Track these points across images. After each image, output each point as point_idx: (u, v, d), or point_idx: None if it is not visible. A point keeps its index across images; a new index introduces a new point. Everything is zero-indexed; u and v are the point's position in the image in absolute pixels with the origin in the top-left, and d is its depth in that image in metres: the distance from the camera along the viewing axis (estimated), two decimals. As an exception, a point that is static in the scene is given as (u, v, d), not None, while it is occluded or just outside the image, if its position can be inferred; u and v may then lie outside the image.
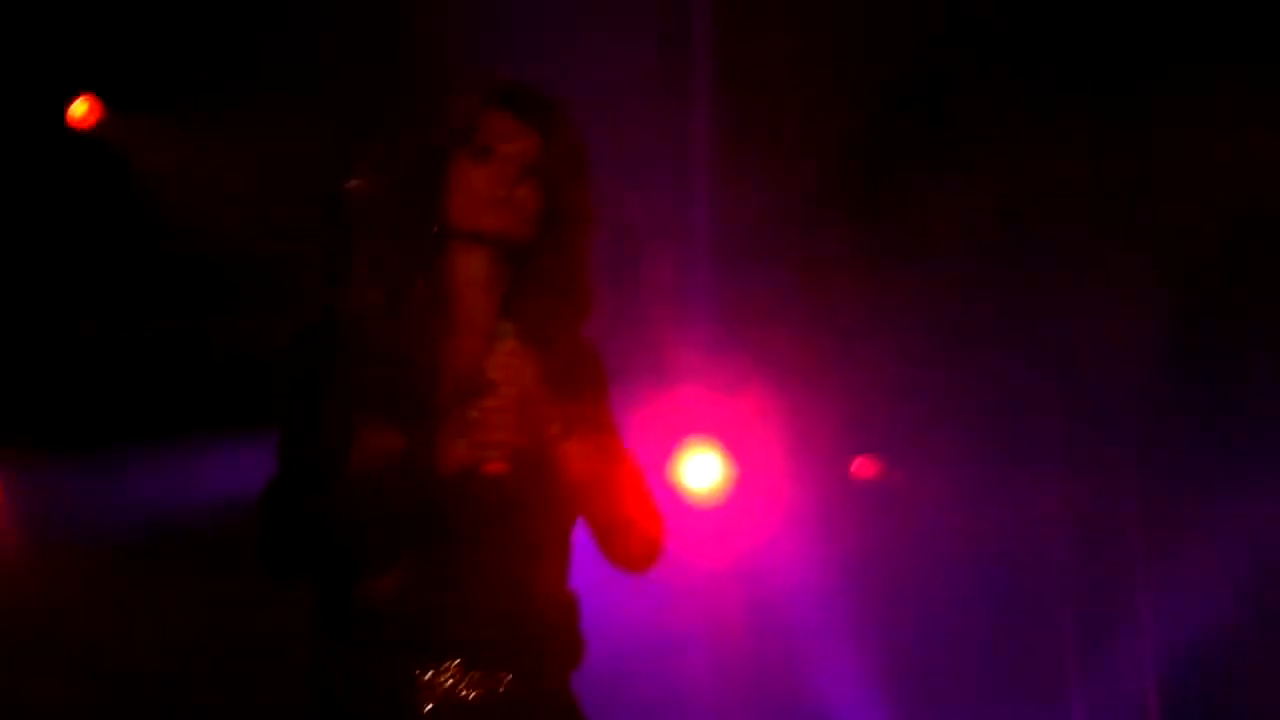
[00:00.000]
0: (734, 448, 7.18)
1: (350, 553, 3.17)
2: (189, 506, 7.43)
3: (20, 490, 7.50)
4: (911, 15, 6.77)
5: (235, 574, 7.35)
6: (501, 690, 3.20)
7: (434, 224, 3.24)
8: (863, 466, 7.65)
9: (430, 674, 3.17)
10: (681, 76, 6.55)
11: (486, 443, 3.12)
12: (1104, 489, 7.71)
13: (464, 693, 3.18)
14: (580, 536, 3.35)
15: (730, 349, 7.02)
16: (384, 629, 3.18)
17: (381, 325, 3.25)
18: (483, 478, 3.14)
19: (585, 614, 3.36)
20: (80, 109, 7.07)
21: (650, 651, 7.16)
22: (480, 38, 6.01)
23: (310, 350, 3.27)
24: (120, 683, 7.43)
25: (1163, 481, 7.60)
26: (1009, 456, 7.70)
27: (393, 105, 3.36)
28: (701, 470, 7.10)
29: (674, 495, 6.99)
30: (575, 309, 3.33)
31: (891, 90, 6.98)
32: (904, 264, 7.34)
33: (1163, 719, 7.55)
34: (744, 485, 7.24)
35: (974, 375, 7.58)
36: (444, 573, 3.20)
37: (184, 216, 7.21)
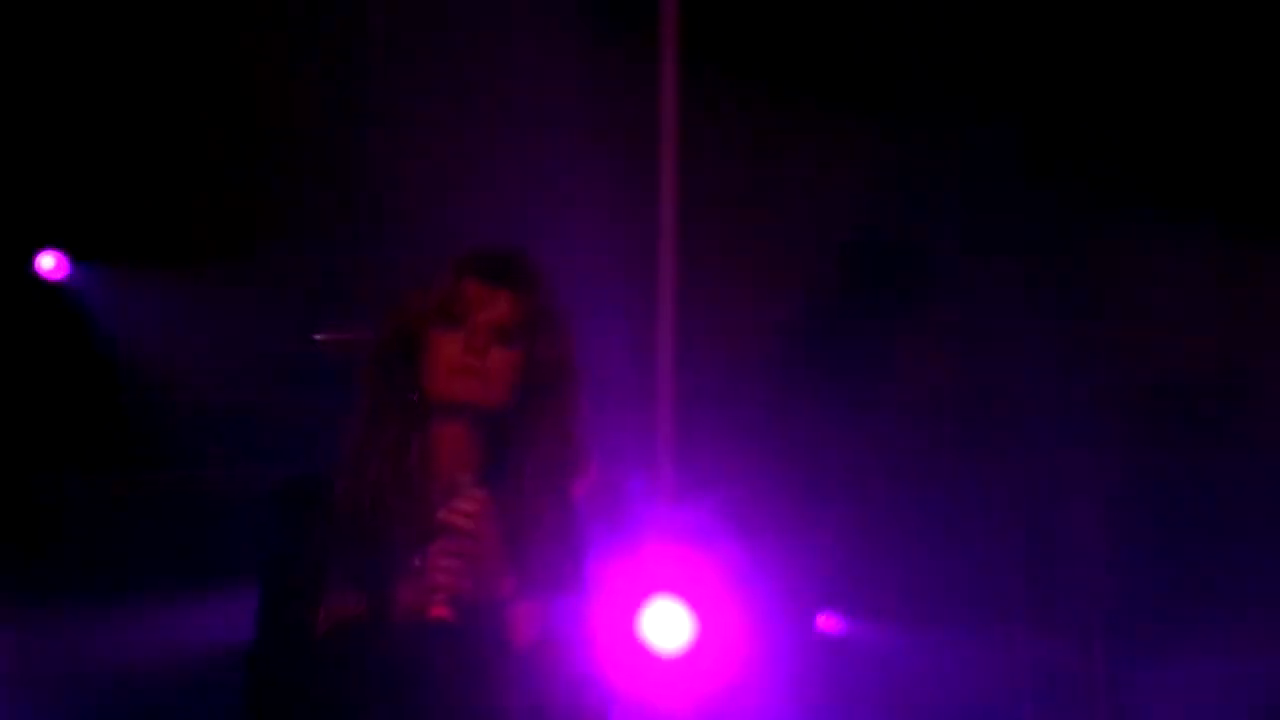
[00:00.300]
0: (699, 602, 7.15)
1: (322, 715, 3.14)
2: (153, 660, 7.38)
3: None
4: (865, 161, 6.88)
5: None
6: None
7: (413, 394, 3.25)
8: (829, 622, 7.63)
9: None
10: (647, 240, 6.62)
11: (431, 587, 3.10)
12: (1070, 649, 7.69)
13: None
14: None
15: (694, 502, 7.02)
16: None
17: (365, 490, 3.25)
18: (431, 627, 3.11)
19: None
20: (48, 262, 7.12)
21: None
22: (440, 182, 6.09)
23: (286, 515, 3.27)
24: None
25: (1130, 642, 7.59)
26: (975, 614, 7.68)
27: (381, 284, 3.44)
28: (667, 625, 7.06)
29: (639, 651, 6.95)
30: (557, 468, 3.30)
31: (853, 242, 7.07)
32: (866, 415, 7.37)
33: None
34: (709, 640, 7.19)
35: (939, 532, 7.58)
36: None
37: (149, 370, 7.24)
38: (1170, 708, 7.54)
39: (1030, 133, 7.12)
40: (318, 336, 7.19)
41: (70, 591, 7.42)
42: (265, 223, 7.02)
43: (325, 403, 7.44)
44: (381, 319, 3.31)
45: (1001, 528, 7.78)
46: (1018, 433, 7.52)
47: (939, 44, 6.99)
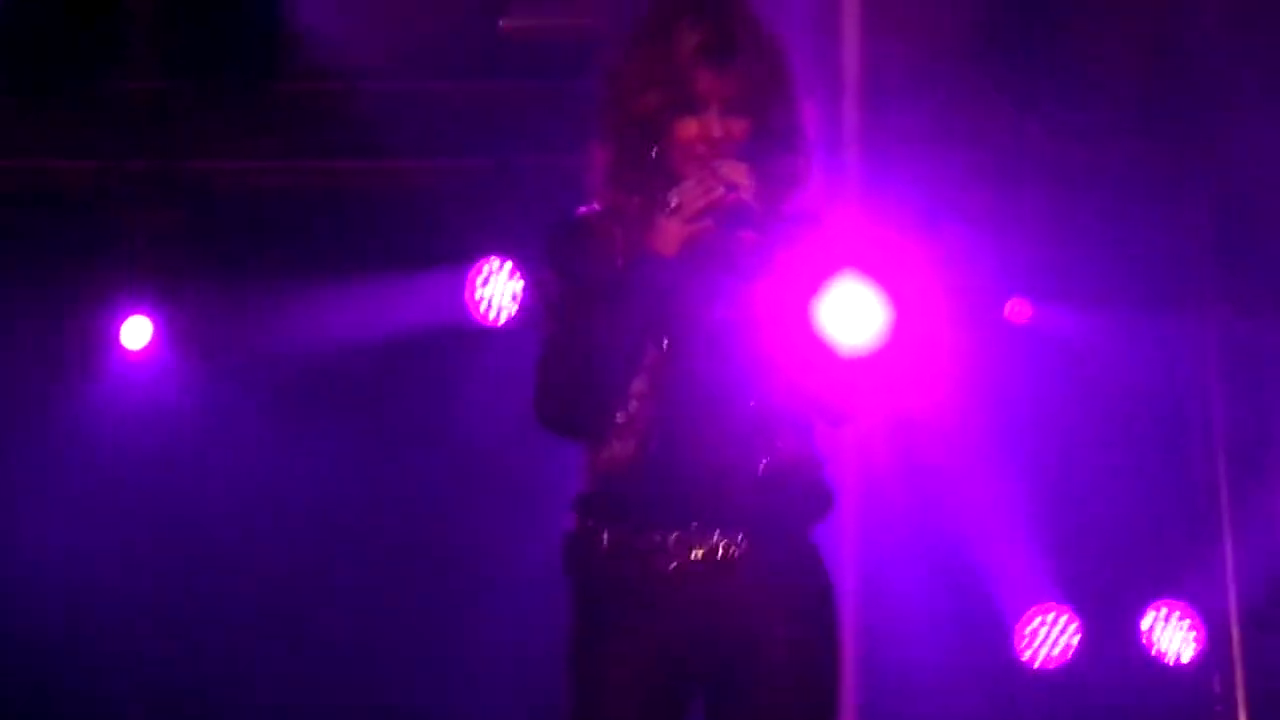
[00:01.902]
0: (889, 288, 7.13)
1: (598, 371, 3.50)
2: (349, 345, 7.54)
3: (184, 325, 7.63)
4: None
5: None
6: (737, 548, 3.54)
7: (651, 154, 3.60)
8: (1017, 308, 7.58)
9: (669, 538, 3.54)
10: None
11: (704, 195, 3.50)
12: (1261, 328, 7.62)
13: (704, 552, 3.53)
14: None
15: (884, 189, 6.96)
16: (625, 500, 3.56)
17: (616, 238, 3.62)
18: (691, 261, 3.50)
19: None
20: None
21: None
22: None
23: (561, 250, 3.64)
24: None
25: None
26: (1165, 294, 7.62)
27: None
28: (857, 311, 7.04)
29: (827, 337, 6.95)
30: (797, 170, 3.65)
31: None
32: (1063, 103, 7.24)
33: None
34: (899, 326, 7.19)
35: (1129, 216, 7.49)
36: (674, 432, 3.53)
37: (331, 54, 7.26)
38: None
39: None
40: (502, 24, 7.15)
41: (266, 277, 7.56)
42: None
43: (509, 91, 7.51)
44: (613, 101, 3.63)
45: (1195, 205, 7.67)
46: (1213, 106, 7.35)
47: None
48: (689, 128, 3.58)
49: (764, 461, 3.54)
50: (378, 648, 7.58)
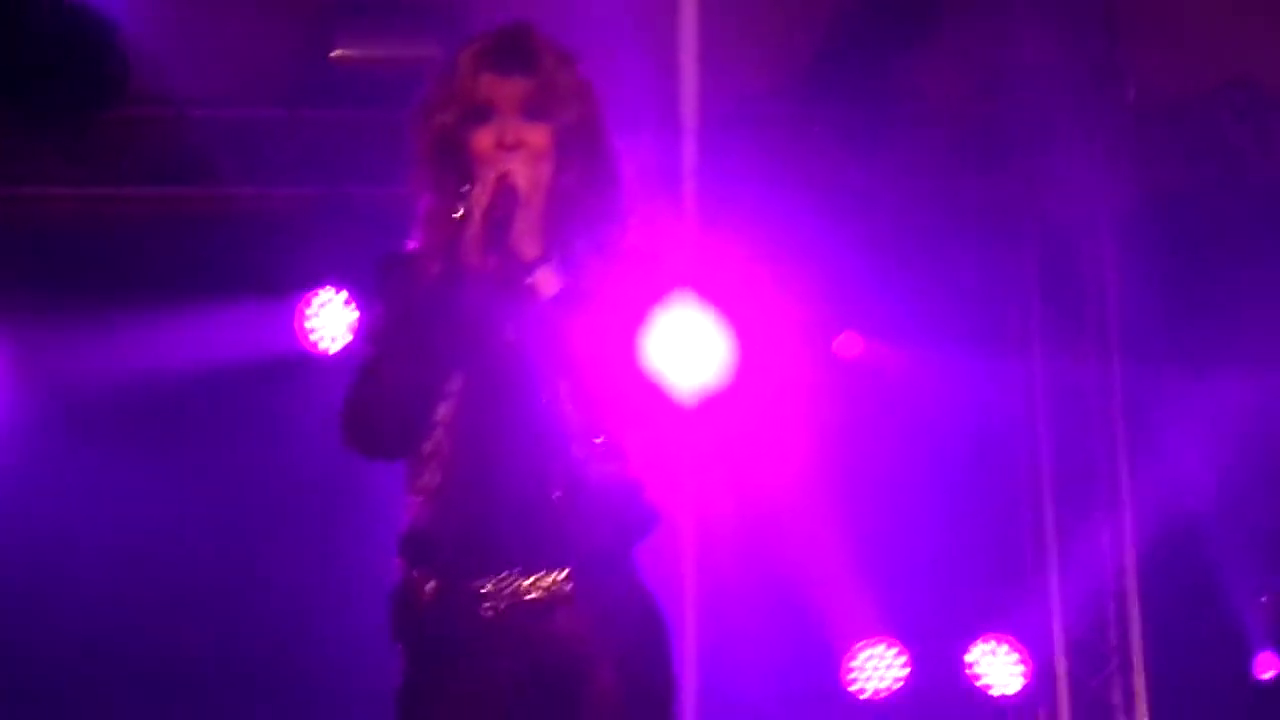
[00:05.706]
0: (723, 323, 7.16)
1: (400, 393, 3.48)
2: (179, 373, 7.45)
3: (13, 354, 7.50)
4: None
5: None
6: (562, 582, 3.51)
7: (464, 186, 3.56)
8: (846, 343, 7.64)
9: (490, 585, 3.50)
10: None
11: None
12: (1085, 365, 7.73)
13: (527, 595, 3.50)
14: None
15: (716, 225, 7.00)
16: (440, 541, 3.52)
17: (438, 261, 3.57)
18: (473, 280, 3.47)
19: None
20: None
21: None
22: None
23: (383, 281, 3.63)
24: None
25: (1143, 358, 7.62)
26: (991, 334, 7.71)
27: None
28: (693, 346, 7.06)
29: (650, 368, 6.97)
30: (609, 203, 3.62)
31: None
32: (889, 141, 7.32)
33: (1142, 594, 7.61)
34: (732, 359, 7.23)
35: (957, 251, 7.58)
36: (478, 462, 3.50)
37: (161, 80, 7.18)
38: (1181, 423, 7.59)
39: None
40: (334, 53, 7.11)
41: (91, 305, 7.45)
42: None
43: (341, 120, 7.45)
44: (416, 125, 3.64)
45: (1018, 246, 7.78)
46: (1032, 148, 7.47)
47: None
48: (484, 137, 3.58)
49: (558, 493, 3.50)
50: (195, 683, 7.46)
